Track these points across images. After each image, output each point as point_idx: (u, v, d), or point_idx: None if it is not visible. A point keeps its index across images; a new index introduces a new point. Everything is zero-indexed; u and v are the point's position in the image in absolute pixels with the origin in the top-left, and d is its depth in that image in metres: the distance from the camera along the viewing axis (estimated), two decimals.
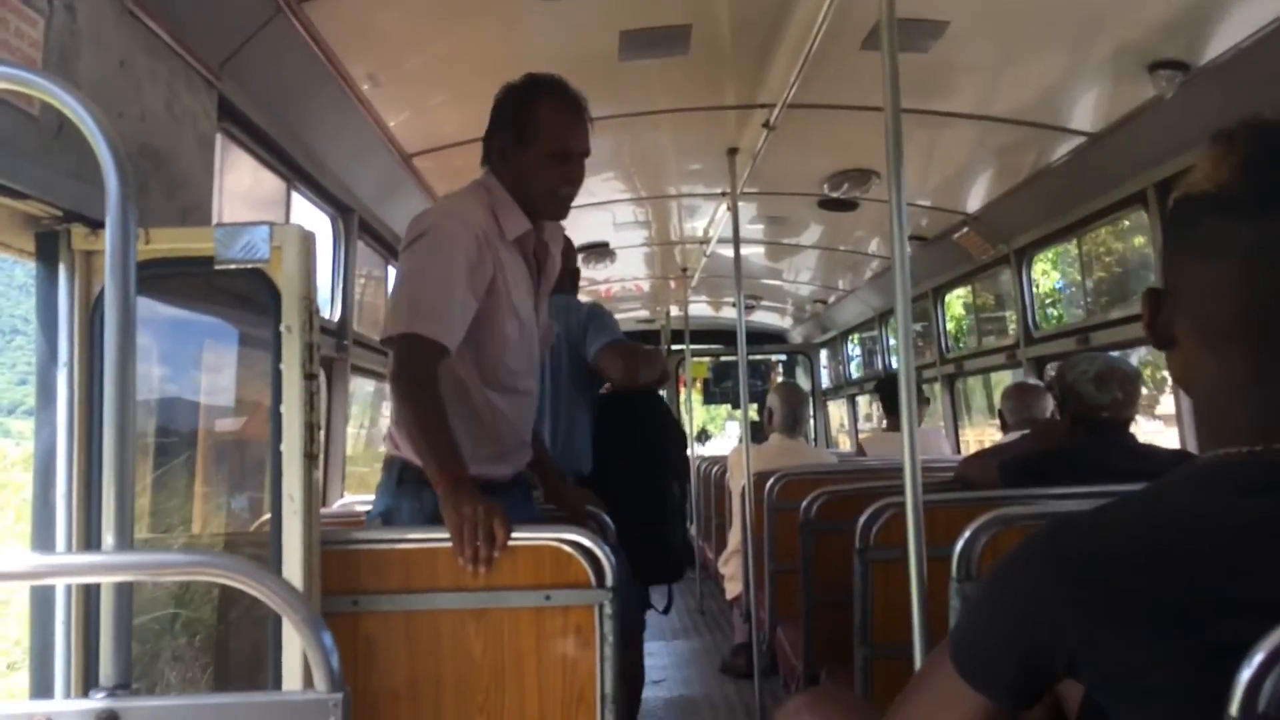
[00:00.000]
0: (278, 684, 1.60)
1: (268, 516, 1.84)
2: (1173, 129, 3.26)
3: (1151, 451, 2.72)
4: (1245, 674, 0.84)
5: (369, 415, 5.84)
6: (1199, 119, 3.16)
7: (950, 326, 6.89)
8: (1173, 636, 0.91)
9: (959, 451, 6.23)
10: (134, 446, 1.05)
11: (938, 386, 6.60)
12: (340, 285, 3.83)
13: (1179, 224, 1.02)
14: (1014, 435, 4.29)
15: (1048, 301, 6.38)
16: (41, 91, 1.08)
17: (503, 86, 2.34)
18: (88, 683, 1.55)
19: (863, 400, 9.49)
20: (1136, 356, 5.47)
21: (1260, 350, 0.97)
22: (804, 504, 3.38)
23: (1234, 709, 0.84)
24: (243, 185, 3.04)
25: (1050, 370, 5.06)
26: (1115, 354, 4.59)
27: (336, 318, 3.86)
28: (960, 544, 1.92)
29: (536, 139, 2.26)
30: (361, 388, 5.15)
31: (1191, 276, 1.01)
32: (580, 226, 5.62)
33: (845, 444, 9.90)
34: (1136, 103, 3.29)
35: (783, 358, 10.87)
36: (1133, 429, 2.80)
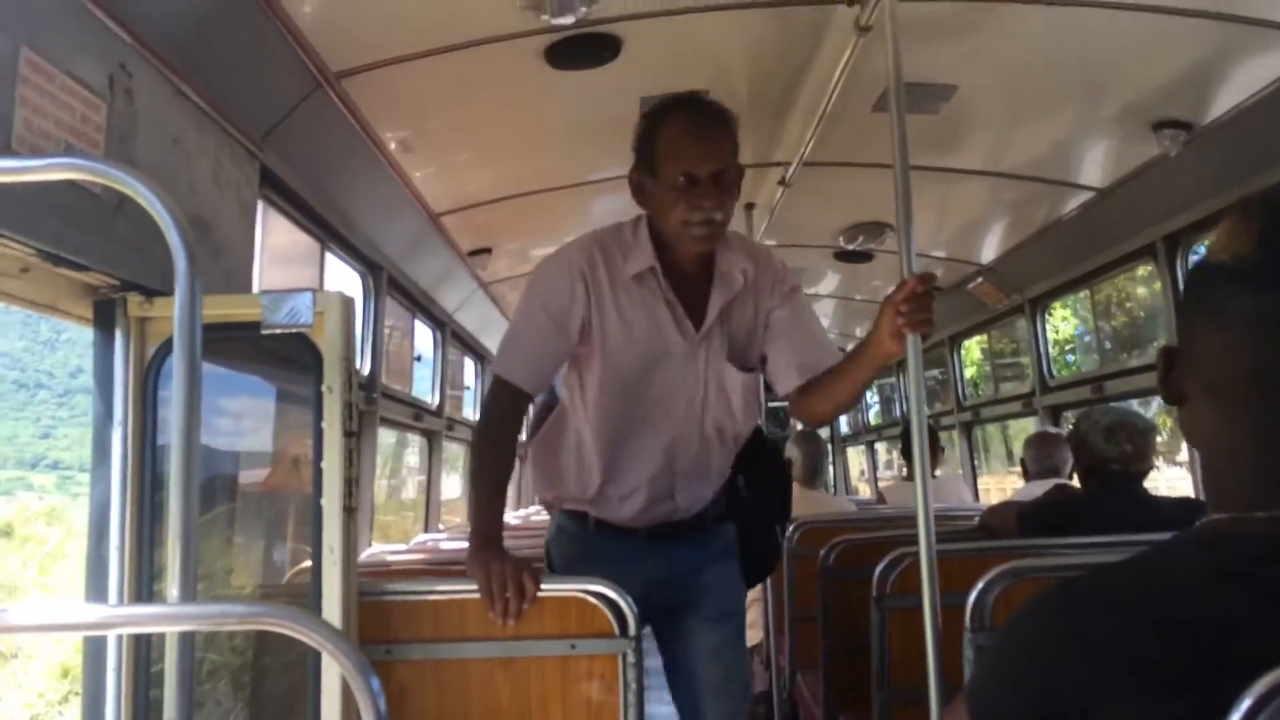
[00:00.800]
0: None
1: (302, 566, 1.92)
2: (1177, 185, 3.35)
3: (1161, 502, 2.77)
4: (1234, 718, 0.90)
5: (390, 466, 5.94)
6: (1202, 176, 3.25)
7: (970, 373, 6.93)
8: (1175, 696, 0.95)
9: (978, 499, 6.24)
10: (196, 503, 1.14)
11: (955, 434, 6.64)
12: (370, 340, 3.94)
13: (1194, 288, 1.07)
14: (1036, 484, 4.35)
15: (1067, 349, 6.43)
16: (115, 181, 1.19)
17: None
18: None
19: (881, 447, 9.51)
20: (1157, 404, 5.51)
21: (1260, 417, 1.03)
22: (822, 552, 3.42)
23: None
24: (280, 245, 3.16)
25: (1067, 418, 5.10)
26: (1133, 404, 4.65)
27: (366, 370, 3.96)
28: (974, 595, 1.96)
29: (660, 167, 2.09)
30: (384, 438, 5.25)
31: (1202, 339, 1.05)
32: None
33: (865, 491, 9.90)
34: (1142, 160, 3.37)
35: None
36: (1152, 478, 2.84)
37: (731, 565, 2.44)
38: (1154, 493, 2.84)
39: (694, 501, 2.34)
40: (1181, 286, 3.66)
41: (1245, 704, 0.89)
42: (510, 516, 7.13)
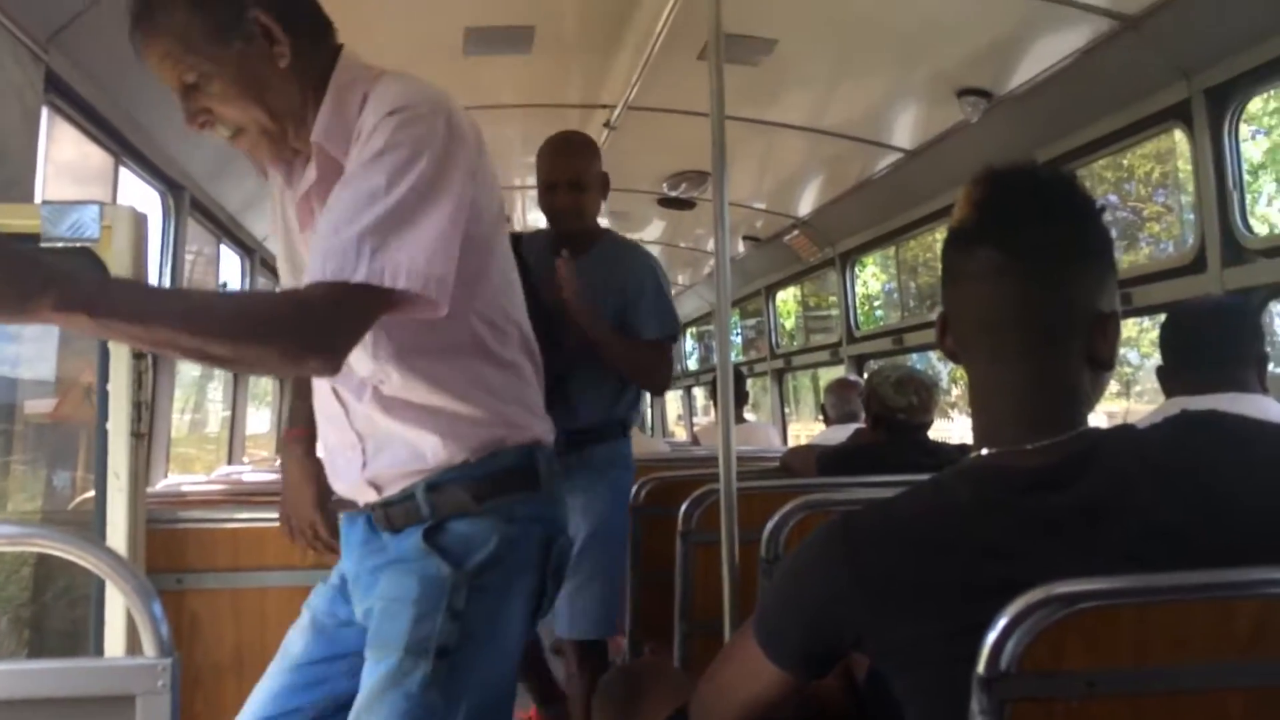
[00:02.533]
0: (100, 655, 1.61)
1: (88, 495, 1.83)
2: (978, 150, 3.54)
3: (941, 448, 2.98)
4: (990, 637, 0.98)
5: (193, 398, 5.68)
6: (1000, 142, 3.45)
7: (788, 324, 7.18)
8: (943, 615, 1.04)
9: (786, 443, 6.50)
10: None
11: (768, 380, 6.88)
12: (169, 264, 3.73)
13: (942, 255, 1.18)
14: (835, 428, 4.58)
15: (876, 304, 6.75)
16: None
17: None
18: None
19: (700, 392, 9.76)
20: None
21: (995, 363, 1.14)
22: (634, 489, 3.49)
23: (980, 668, 0.99)
24: (69, 160, 2.94)
25: (872, 367, 5.38)
26: (931, 356, 4.92)
27: None
28: (768, 528, 2.05)
29: None
30: (188, 369, 5.01)
31: (947, 299, 1.18)
32: None
33: (681, 434, 10.15)
34: (947, 124, 3.56)
35: None
36: (949, 430, 3.05)
37: (399, 581, 1.48)
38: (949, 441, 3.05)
39: (379, 478, 1.55)
40: None
41: (1001, 623, 0.97)
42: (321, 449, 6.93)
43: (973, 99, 3.30)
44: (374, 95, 1.41)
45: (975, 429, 1.17)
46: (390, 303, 1.32)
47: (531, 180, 5.43)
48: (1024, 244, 1.10)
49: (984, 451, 1.13)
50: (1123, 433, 1.13)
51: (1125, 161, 3.65)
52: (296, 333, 1.27)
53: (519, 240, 2.54)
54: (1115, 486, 1.06)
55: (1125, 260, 3.72)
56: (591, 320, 2.64)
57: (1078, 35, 2.83)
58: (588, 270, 2.66)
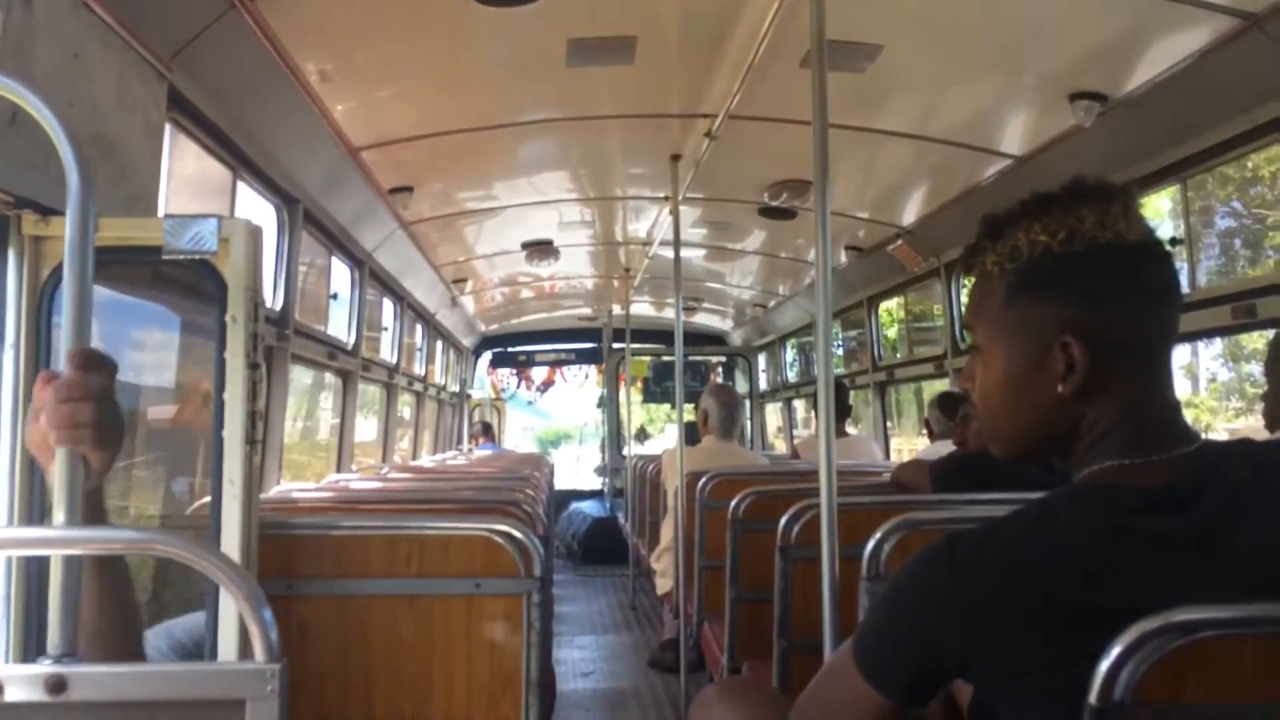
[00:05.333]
0: (213, 658, 1.65)
1: (204, 500, 1.89)
2: (1091, 156, 3.43)
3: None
4: (1103, 665, 0.94)
5: (306, 405, 5.85)
6: (1115, 147, 3.33)
7: (891, 335, 7.06)
8: (1051, 643, 1.00)
9: (888, 457, 6.39)
10: None
11: (870, 393, 6.76)
12: (283, 275, 3.86)
13: (1093, 271, 1.12)
14: (940, 444, 4.47)
15: None
16: (6, 90, 1.13)
17: None
18: (26, 653, 1.59)
19: (800, 404, 9.67)
20: None
21: (1135, 384, 1.10)
22: (733, 503, 3.47)
23: (1093, 698, 0.95)
24: (190, 173, 3.06)
25: None
26: None
27: (278, 307, 3.89)
28: (870, 545, 2.01)
29: None
30: (300, 378, 5.17)
31: (1091, 319, 1.12)
32: (526, 223, 5.71)
33: (781, 447, 10.06)
34: (1059, 130, 3.45)
35: (722, 359, 11.01)
36: None
37: None
38: None
39: None
40: None
41: (1115, 651, 0.93)
42: (426, 459, 7.11)
43: (1086, 103, 3.19)
44: None
45: (1082, 452, 1.13)
46: None
47: (634, 190, 5.50)
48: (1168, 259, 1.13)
49: (1097, 468, 1.10)
50: (1242, 447, 1.08)
51: (1250, 164, 3.47)
52: None
53: None
54: (1233, 506, 1.02)
55: (1251, 271, 3.54)
56: None
57: (1198, 35, 2.71)
58: None
